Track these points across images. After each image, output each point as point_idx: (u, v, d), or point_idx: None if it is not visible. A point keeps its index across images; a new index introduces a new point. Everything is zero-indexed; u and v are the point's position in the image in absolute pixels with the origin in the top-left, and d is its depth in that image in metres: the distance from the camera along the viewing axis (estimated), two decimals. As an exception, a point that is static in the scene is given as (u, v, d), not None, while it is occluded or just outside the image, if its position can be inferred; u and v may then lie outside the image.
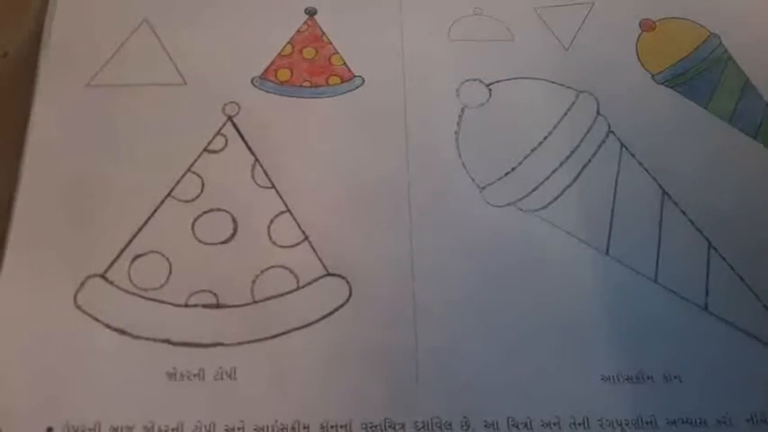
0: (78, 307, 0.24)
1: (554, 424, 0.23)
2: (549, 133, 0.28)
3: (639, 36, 0.30)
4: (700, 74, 0.30)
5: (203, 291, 0.25)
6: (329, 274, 0.25)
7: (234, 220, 0.26)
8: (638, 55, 0.30)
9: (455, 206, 0.27)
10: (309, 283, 0.25)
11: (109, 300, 0.24)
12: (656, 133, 0.28)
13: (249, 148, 0.27)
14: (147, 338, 0.24)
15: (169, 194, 0.26)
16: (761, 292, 0.26)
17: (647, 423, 0.23)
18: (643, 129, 0.28)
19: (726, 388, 0.24)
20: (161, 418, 0.23)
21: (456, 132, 0.28)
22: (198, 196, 0.26)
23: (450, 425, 0.23)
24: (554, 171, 0.27)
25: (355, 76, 0.29)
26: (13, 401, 0.23)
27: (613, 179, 0.27)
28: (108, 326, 0.24)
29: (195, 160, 0.27)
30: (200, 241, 0.25)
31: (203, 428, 0.23)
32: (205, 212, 0.26)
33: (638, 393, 0.24)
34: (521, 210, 0.27)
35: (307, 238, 0.26)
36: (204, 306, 0.25)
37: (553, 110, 0.28)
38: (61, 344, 0.24)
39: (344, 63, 0.29)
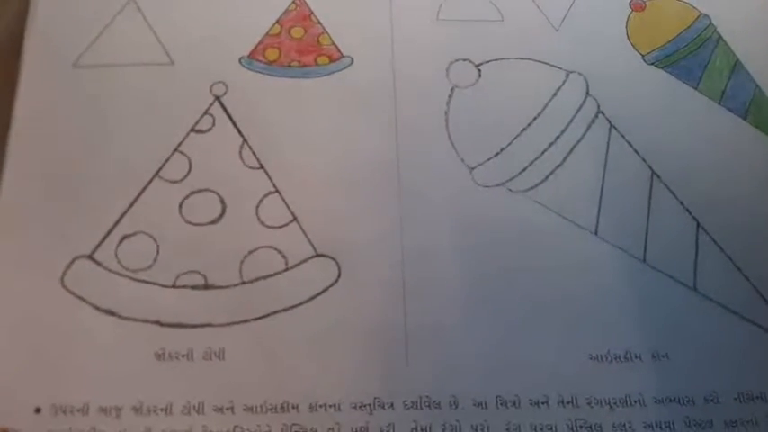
0: (66, 288, 0.24)
1: (542, 403, 0.23)
2: (539, 114, 0.28)
3: (629, 16, 0.30)
4: (689, 54, 0.30)
5: (191, 271, 0.25)
6: (318, 255, 0.25)
7: (222, 201, 0.26)
8: (628, 35, 0.30)
9: (444, 187, 0.26)
10: (298, 264, 0.25)
11: (96, 280, 0.24)
12: (645, 114, 0.28)
13: (237, 129, 0.27)
14: (135, 319, 0.24)
15: (156, 175, 0.26)
16: (749, 273, 0.26)
17: (635, 401, 0.24)
18: (633, 109, 0.28)
19: (714, 367, 0.24)
20: (150, 398, 0.23)
21: (445, 113, 0.28)
22: (185, 177, 0.26)
23: (438, 404, 0.23)
24: (543, 152, 0.27)
25: (344, 56, 0.28)
26: (0, 382, 0.23)
27: (602, 160, 0.27)
28: (96, 307, 0.24)
29: (182, 140, 0.26)
30: (188, 222, 0.25)
31: (192, 409, 0.23)
32: (193, 193, 0.26)
33: (626, 372, 0.24)
34: (510, 190, 0.27)
35: (295, 218, 0.26)
36: (193, 287, 0.24)
37: (542, 90, 0.28)
38: (49, 325, 0.24)
39: (333, 43, 0.29)
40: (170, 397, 0.23)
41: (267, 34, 0.29)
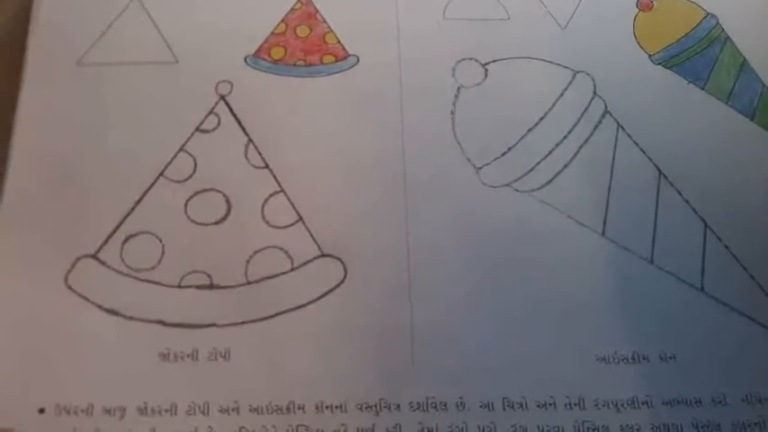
0: (69, 288, 0.24)
1: (549, 405, 0.23)
2: (546, 114, 0.28)
3: (637, 16, 0.30)
4: (697, 54, 0.30)
5: (196, 271, 0.24)
6: (324, 255, 0.25)
7: (227, 201, 0.26)
8: (635, 35, 0.30)
9: (451, 187, 0.26)
10: (304, 264, 0.25)
11: (101, 280, 0.24)
12: (652, 114, 0.28)
13: (242, 128, 0.27)
14: (139, 319, 0.24)
15: (161, 174, 0.26)
16: (756, 273, 0.26)
17: (642, 403, 0.23)
18: (640, 109, 0.28)
19: (721, 368, 0.24)
20: (154, 399, 0.23)
21: (452, 112, 0.28)
22: (190, 176, 0.26)
23: (445, 405, 0.23)
24: (550, 152, 0.27)
25: (350, 55, 0.28)
26: (3, 383, 0.23)
27: (610, 160, 0.27)
28: (100, 307, 0.24)
29: (187, 140, 0.26)
30: (193, 221, 0.25)
31: (197, 409, 0.23)
32: (198, 193, 0.26)
33: (633, 373, 0.24)
34: (517, 190, 0.27)
35: (301, 218, 0.26)
36: (198, 287, 0.24)
37: (549, 90, 0.28)
38: (53, 325, 0.23)
39: (339, 41, 0.29)
40: (175, 398, 0.23)
41: (273, 33, 0.29)
